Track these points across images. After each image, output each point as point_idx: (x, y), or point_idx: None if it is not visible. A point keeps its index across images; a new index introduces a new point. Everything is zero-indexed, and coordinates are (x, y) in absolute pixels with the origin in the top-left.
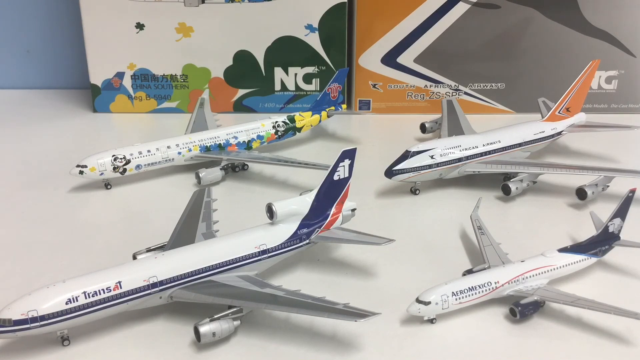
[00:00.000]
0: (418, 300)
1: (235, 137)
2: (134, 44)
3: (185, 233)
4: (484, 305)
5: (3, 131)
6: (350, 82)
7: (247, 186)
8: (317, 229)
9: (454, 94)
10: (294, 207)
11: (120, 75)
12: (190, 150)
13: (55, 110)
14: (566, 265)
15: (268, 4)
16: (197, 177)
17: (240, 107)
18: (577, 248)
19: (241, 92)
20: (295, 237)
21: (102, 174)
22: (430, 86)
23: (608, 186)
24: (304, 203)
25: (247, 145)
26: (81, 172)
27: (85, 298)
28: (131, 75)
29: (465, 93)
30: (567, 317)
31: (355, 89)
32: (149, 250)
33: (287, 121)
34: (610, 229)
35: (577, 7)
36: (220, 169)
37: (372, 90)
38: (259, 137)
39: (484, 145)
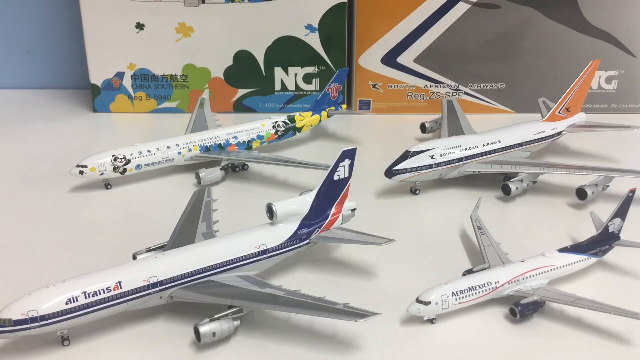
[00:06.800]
0: (418, 300)
1: (235, 137)
2: (134, 44)
3: (185, 233)
4: (484, 305)
5: (3, 131)
6: (350, 82)
7: (247, 186)
8: (317, 229)
9: (454, 94)
10: (294, 207)
11: (120, 75)
12: (190, 150)
13: (55, 110)
14: (566, 265)
15: (268, 4)
16: (197, 177)
17: (240, 107)
18: (577, 248)
19: (241, 92)
20: (295, 237)
21: (102, 174)
22: (430, 86)
23: (608, 186)
24: (304, 203)
25: (247, 145)
26: (81, 172)
27: (85, 298)
28: (131, 75)
29: (465, 93)
30: (567, 317)
31: (355, 89)
32: (149, 250)
33: (287, 121)
34: (610, 229)
35: (577, 7)
36: (220, 169)
37: (372, 90)
38: (259, 137)
39: (484, 145)
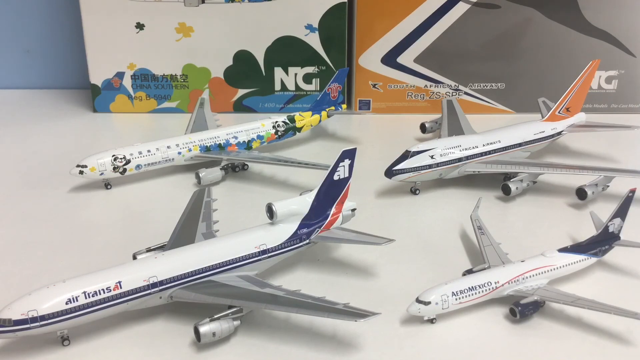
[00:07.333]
0: (418, 300)
1: (235, 137)
2: (134, 44)
3: (185, 233)
4: (484, 305)
5: (3, 131)
6: (350, 82)
7: (247, 186)
8: (317, 229)
9: (454, 94)
10: (294, 207)
11: (120, 75)
12: (190, 150)
13: (55, 110)
14: (566, 265)
15: (268, 4)
16: (197, 177)
17: (240, 107)
18: (577, 248)
19: (241, 92)
20: (295, 237)
21: (102, 174)
22: (430, 86)
23: (608, 186)
24: (304, 203)
25: (247, 145)
26: (81, 172)
27: (85, 298)
28: (131, 75)
29: (465, 93)
30: (567, 317)
31: (355, 89)
32: (149, 250)
33: (287, 121)
34: (610, 229)
35: (577, 7)
36: (220, 169)
37: (372, 90)
38: (259, 137)
39: (484, 145)
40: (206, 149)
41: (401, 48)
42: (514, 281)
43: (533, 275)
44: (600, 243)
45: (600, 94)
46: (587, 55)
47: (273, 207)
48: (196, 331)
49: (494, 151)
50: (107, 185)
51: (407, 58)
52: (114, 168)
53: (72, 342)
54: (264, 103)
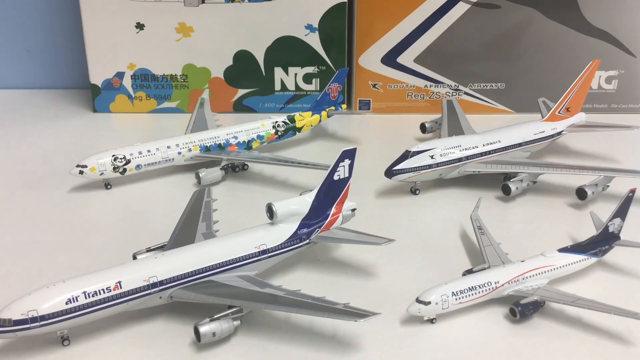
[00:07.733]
0: (418, 300)
1: (235, 137)
2: (134, 44)
3: (185, 233)
4: (484, 305)
5: (3, 131)
6: (350, 82)
7: (247, 186)
8: (317, 229)
9: (454, 94)
10: (294, 207)
11: (120, 75)
12: (190, 150)
13: (56, 110)
14: (566, 265)
15: (268, 4)
16: (197, 177)
17: (240, 107)
18: (577, 248)
19: (241, 92)
20: (295, 237)
21: (102, 174)
22: (430, 86)
23: (608, 186)
24: (304, 203)
25: (247, 145)
26: (81, 172)
27: (85, 298)
28: (131, 75)
29: (465, 93)
30: (567, 317)
31: (355, 89)
32: (149, 250)
33: (287, 121)
34: (610, 229)
35: (577, 7)
36: (220, 169)
37: (372, 90)
38: (259, 137)
39: (484, 145)
40: (206, 149)
41: (401, 48)
42: (514, 281)
43: (533, 275)
44: (600, 243)
45: (600, 94)
46: (587, 55)
47: (273, 207)
48: (196, 331)
49: (494, 151)
50: (107, 185)
51: (407, 58)
52: (114, 168)
53: (72, 342)
54: (264, 103)
